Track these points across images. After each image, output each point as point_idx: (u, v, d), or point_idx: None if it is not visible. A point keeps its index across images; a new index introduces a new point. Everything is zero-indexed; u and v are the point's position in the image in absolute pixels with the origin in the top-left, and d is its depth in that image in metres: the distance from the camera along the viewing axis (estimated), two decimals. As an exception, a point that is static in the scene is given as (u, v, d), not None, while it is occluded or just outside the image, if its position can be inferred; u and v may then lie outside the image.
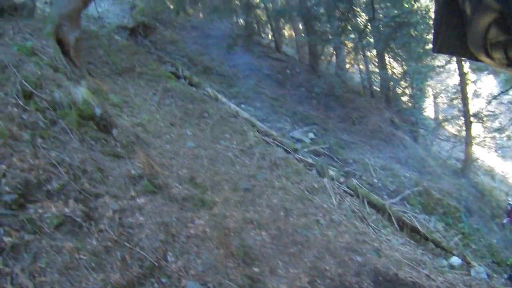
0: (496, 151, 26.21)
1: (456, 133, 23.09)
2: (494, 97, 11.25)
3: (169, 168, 7.14)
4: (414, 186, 12.35)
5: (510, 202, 17.66)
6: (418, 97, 20.51)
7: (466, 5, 0.65)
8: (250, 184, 7.91)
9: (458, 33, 0.71)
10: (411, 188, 12.18)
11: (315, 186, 9.12)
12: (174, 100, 10.99)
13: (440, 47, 0.78)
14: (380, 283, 6.40)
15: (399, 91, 21.50)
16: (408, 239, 9.72)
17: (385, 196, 11.32)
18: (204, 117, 10.85)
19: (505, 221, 15.59)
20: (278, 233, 6.46)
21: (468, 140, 18.51)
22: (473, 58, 0.73)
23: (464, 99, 18.83)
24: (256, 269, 5.20)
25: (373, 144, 15.05)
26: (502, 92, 10.09)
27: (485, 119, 17.91)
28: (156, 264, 4.26)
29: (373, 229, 8.87)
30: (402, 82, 21.08)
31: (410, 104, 21.22)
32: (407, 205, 11.47)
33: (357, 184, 10.36)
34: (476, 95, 22.47)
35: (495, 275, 10.35)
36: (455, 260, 9.92)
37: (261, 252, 5.77)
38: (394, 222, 9.79)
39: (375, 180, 11.78)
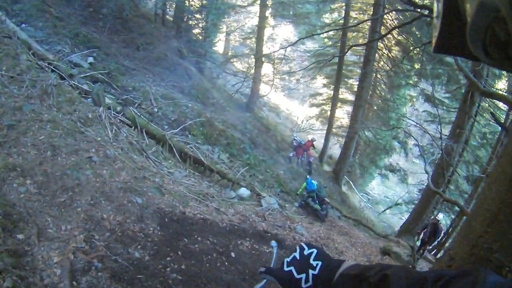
0: (283, 91, 30.48)
1: (244, 70, 25.63)
2: (291, 44, 13.22)
3: None
4: (197, 116, 13.23)
5: (295, 138, 20.88)
6: (211, 31, 21.45)
7: (465, 5, 0.69)
8: (15, 119, 7.43)
9: (458, 33, 0.76)
10: (194, 118, 13.01)
11: (89, 116, 8.88)
12: None
13: (439, 47, 0.83)
14: (167, 225, 6.66)
15: (192, 22, 22.18)
16: (192, 171, 10.46)
17: (166, 126, 11.85)
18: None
19: (291, 154, 18.18)
20: (45, 179, 6.27)
21: (256, 78, 20.91)
22: (473, 58, 0.77)
23: (259, 40, 21.14)
24: (21, 236, 4.95)
25: (156, 72, 15.40)
26: (297, 41, 12.02)
27: (276, 61, 20.35)
28: None
29: (153, 162, 9.25)
30: (198, 15, 21.83)
31: (201, 37, 22.15)
32: (189, 136, 12.26)
33: (135, 113, 10.51)
34: (272, 38, 25.58)
35: (286, 205, 11.97)
36: (244, 191, 11.03)
37: (26, 208, 5.53)
38: (176, 153, 10.40)
39: (155, 109, 12.18)
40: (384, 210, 21.34)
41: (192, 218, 7.38)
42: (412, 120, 14.98)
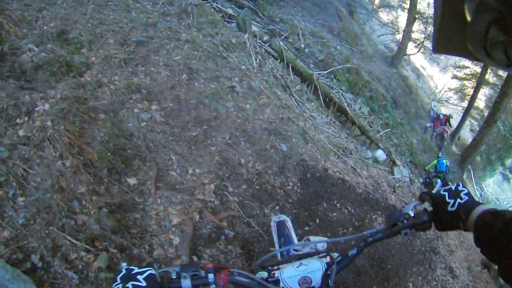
0: (427, 54, 27.45)
1: (391, 22, 23.48)
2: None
3: (31, 24, 5.52)
4: (345, 61, 11.44)
5: (433, 108, 18.78)
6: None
7: (465, 5, 0.67)
8: (146, 35, 6.34)
9: (458, 33, 0.74)
10: (341, 62, 11.34)
11: (233, 42, 7.76)
12: None
13: (440, 47, 0.81)
14: (308, 182, 5.62)
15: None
16: (333, 119, 9.09)
17: (312, 65, 10.35)
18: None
19: (428, 124, 16.48)
20: (176, 106, 5.12)
21: (406, 33, 18.55)
22: (473, 58, 0.76)
23: None
24: (133, 180, 3.85)
25: (306, 7, 13.76)
26: None
27: (430, 20, 18.19)
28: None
29: (296, 101, 7.90)
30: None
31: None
32: (334, 80, 10.70)
33: (283, 46, 9.18)
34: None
35: (416, 180, 10.77)
36: (380, 154, 9.78)
37: (147, 141, 4.42)
38: (321, 96, 8.93)
39: (303, 45, 10.60)
40: None
41: (332, 177, 6.15)
42: None
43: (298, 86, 8.59)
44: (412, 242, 6.59)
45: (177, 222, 3.49)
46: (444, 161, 11.89)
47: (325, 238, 1.63)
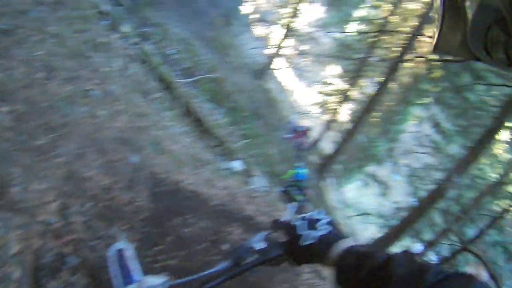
0: (295, 70, 29.52)
1: (262, 36, 24.86)
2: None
3: None
4: (211, 71, 12.19)
5: (292, 121, 20.28)
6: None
7: (466, 5, 0.68)
8: (13, 24, 6.01)
9: (458, 33, 0.76)
10: (208, 72, 11.98)
11: (103, 41, 7.80)
12: None
13: (439, 47, 0.83)
14: (160, 197, 5.58)
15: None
16: (191, 129, 9.54)
17: (178, 72, 10.77)
18: None
19: (287, 136, 17.74)
20: (27, 109, 4.79)
21: (276, 49, 19.99)
22: (473, 58, 0.78)
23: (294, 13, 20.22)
24: None
25: (183, 13, 14.18)
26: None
27: (300, 38, 19.61)
28: None
29: (156, 109, 8.32)
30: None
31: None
32: (198, 89, 11.27)
33: (151, 50, 9.50)
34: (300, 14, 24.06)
35: (274, 189, 11.38)
36: (238, 164, 10.23)
37: None
38: (180, 105, 9.47)
39: (172, 51, 11.05)
40: (354, 216, 20.96)
41: (186, 190, 6.36)
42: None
43: (160, 93, 9.00)
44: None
45: (17, 250, 3.17)
46: (301, 170, 12.29)
47: (163, 279, 1.48)
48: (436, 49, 0.85)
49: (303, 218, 1.23)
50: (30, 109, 5.02)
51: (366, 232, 17.88)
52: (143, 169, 5.74)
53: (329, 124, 21.26)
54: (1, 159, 4.07)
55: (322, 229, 1.18)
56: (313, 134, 20.72)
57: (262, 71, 20.31)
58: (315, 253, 1.15)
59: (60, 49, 6.49)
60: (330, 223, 1.21)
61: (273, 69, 21.97)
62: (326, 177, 20.41)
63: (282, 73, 26.60)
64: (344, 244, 1.12)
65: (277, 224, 1.30)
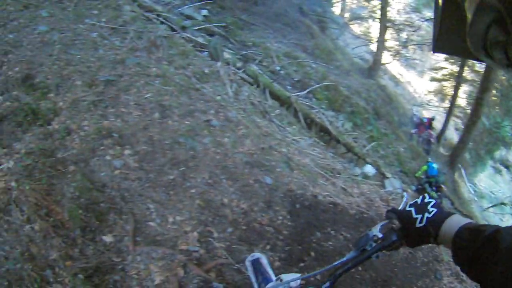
0: (401, 60, 27.82)
1: (363, 33, 23.81)
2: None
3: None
4: (321, 79, 11.41)
5: (415, 113, 18.93)
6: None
7: (466, 5, 0.67)
8: (115, 73, 6.09)
9: (458, 33, 0.75)
10: (318, 81, 11.30)
11: (206, 72, 7.61)
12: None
13: (439, 47, 0.84)
14: (298, 213, 5.34)
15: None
16: (317, 140, 8.87)
17: (289, 87, 10.21)
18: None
19: (413, 131, 16.56)
20: (150, 148, 4.90)
21: (379, 43, 18.85)
22: (473, 58, 0.77)
23: (385, 4, 19.00)
24: (109, 238, 3.61)
25: (277, 28, 13.75)
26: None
27: (401, 27, 18.51)
28: None
29: (277, 127, 7.72)
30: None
31: (320, -4, 20.43)
32: (313, 99, 10.57)
33: (257, 71, 9.04)
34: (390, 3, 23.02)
35: (408, 189, 10.50)
36: (369, 169, 9.57)
37: (121, 191, 4.17)
38: (301, 118, 8.81)
39: (278, 68, 10.52)
40: (489, 207, 18.77)
41: (323, 202, 5.81)
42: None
43: (278, 110, 8.44)
44: (414, 255, 6.41)
45: (160, 280, 3.23)
46: (433, 165, 11.78)
47: (297, 275, 1.59)
48: (435, 49, 0.85)
49: (413, 204, 1.32)
50: (154, 148, 4.92)
51: (504, 225, 15.53)
52: (278, 188, 5.34)
53: (450, 111, 19.19)
54: (136, 197, 4.15)
55: (431, 211, 1.26)
56: (437, 124, 19.22)
57: (372, 68, 19.17)
58: (428, 233, 1.24)
59: (168, 88, 6.30)
60: (436, 205, 1.28)
61: (382, 64, 20.65)
62: (457, 169, 18.32)
63: (392, 66, 25.13)
64: (452, 221, 1.20)
65: (392, 213, 1.40)
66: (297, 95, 9.57)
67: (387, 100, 17.45)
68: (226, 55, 9.09)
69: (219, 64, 8.19)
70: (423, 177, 11.78)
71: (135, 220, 3.86)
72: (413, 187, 11.46)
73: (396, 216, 1.36)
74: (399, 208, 1.42)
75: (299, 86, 10.54)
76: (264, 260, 2.71)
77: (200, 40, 9.26)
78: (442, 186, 11.70)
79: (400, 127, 16.16)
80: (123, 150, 4.71)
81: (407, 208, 1.32)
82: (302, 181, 6.02)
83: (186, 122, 5.63)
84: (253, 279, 2.57)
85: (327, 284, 1.41)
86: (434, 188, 11.26)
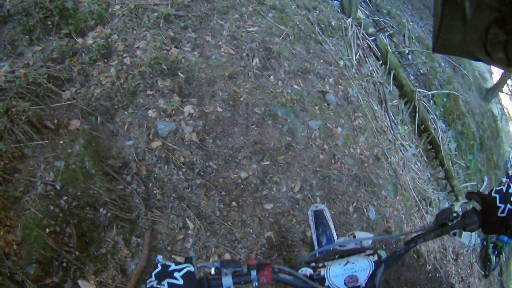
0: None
1: None
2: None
3: None
4: (446, 83, 9.85)
5: (511, 159, 16.76)
6: None
7: (466, 5, 0.67)
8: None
9: (458, 33, 0.75)
10: (442, 83, 9.76)
11: (333, 24, 6.19)
12: None
13: (440, 47, 0.83)
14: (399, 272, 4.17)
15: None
16: (421, 152, 7.53)
17: (412, 78, 8.62)
18: None
19: (504, 180, 14.57)
20: (227, 114, 3.54)
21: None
22: (473, 57, 0.79)
23: None
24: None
25: (416, 7, 11.97)
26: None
27: None
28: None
29: (391, 121, 6.31)
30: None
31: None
32: (431, 102, 9.03)
33: (388, 46, 7.56)
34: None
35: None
36: (458, 207, 8.13)
37: (149, 185, 3.00)
38: (416, 121, 7.31)
39: (407, 50, 8.89)
40: None
41: (424, 262, 4.59)
42: None
43: (395, 101, 6.93)
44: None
45: None
46: None
47: (371, 235, 1.41)
48: (436, 49, 0.84)
49: (499, 191, 1.28)
50: (233, 115, 3.53)
51: None
52: (377, 225, 3.97)
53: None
54: (170, 201, 3.00)
55: None
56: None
57: (490, 91, 16.86)
58: (507, 226, 1.21)
59: (283, 28, 4.96)
60: None
61: (501, 91, 18.26)
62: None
63: (506, 97, 22.43)
64: None
65: (475, 195, 1.35)
66: (420, 91, 7.93)
67: (495, 134, 15.41)
68: (359, 13, 7.55)
69: (349, 20, 6.76)
70: (494, 236, 10.33)
71: (149, 248, 2.62)
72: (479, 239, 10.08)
73: (479, 199, 1.31)
74: (482, 191, 1.46)
75: (422, 81, 8.91)
76: (327, 213, 2.57)
77: (336, -16, 7.72)
78: (503, 254, 10.45)
79: (494, 168, 14.22)
80: (182, 105, 3.33)
81: (493, 194, 1.28)
82: (401, 214, 4.71)
83: (295, 86, 4.22)
84: (313, 230, 2.47)
85: (403, 250, 1.38)
86: (496, 253, 10.01)
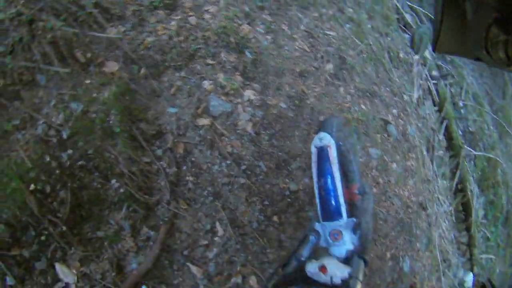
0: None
1: None
2: None
3: None
4: (490, 148, 9.43)
5: None
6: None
7: (466, 5, 0.71)
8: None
9: (458, 33, 0.79)
10: (486, 146, 9.43)
11: (401, 56, 6.07)
12: None
13: (440, 47, 0.86)
14: None
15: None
16: (452, 212, 7.12)
17: (460, 133, 8.23)
18: None
19: None
20: (291, 114, 3.32)
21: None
22: (473, 57, 0.81)
23: None
24: None
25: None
26: None
27: None
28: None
29: (432, 171, 6.00)
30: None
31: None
32: (472, 163, 8.65)
33: (448, 94, 7.32)
34: None
35: None
36: (469, 279, 7.67)
37: (184, 168, 2.75)
38: (456, 178, 7.05)
39: (461, 104, 8.66)
40: None
41: None
42: None
43: (441, 151, 6.70)
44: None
45: None
46: None
47: (347, 269, 1.45)
48: (436, 49, 0.86)
49: None
50: (297, 114, 3.31)
51: None
52: (407, 278, 3.62)
53: None
54: (202, 196, 2.73)
55: None
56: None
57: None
58: None
59: (357, 42, 4.81)
60: None
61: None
62: None
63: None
64: None
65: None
66: (470, 151, 7.67)
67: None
68: (426, 53, 7.35)
69: (416, 57, 6.55)
70: None
71: (162, 248, 2.36)
72: None
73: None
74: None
75: (468, 139, 8.61)
76: (333, 152, 1.95)
77: (408, 18, 7.58)
78: None
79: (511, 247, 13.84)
80: (244, 87, 3.10)
81: None
82: (425, 271, 4.37)
83: (362, 106, 4.04)
84: (315, 178, 2.02)
85: None
86: None
